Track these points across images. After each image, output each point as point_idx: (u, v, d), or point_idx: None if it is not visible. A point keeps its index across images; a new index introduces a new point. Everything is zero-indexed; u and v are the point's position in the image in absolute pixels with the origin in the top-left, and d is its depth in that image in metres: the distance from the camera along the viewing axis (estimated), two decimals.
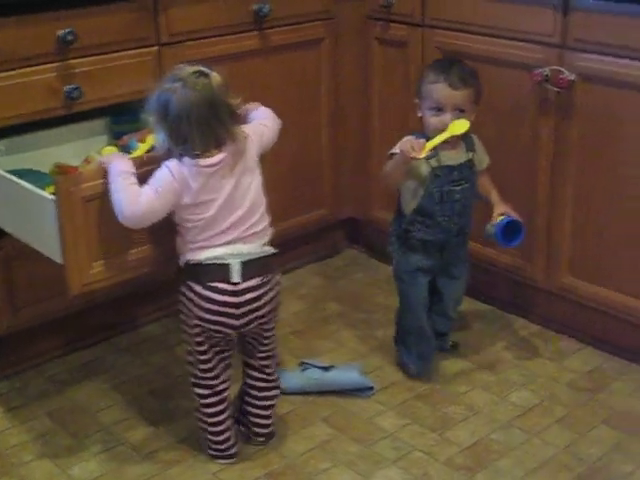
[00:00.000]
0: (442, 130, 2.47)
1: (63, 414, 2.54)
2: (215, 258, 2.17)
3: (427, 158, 2.47)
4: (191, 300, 2.20)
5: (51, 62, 2.47)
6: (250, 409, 2.38)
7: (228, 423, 2.33)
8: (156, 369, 2.74)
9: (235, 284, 2.16)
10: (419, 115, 2.57)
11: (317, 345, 2.86)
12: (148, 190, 2.11)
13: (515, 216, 2.54)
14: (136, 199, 2.09)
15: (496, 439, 2.42)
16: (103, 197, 2.12)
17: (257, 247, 2.22)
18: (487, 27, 2.80)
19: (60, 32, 2.44)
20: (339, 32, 3.14)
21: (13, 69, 2.42)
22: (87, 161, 2.51)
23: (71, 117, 2.59)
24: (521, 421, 2.49)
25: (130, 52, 2.61)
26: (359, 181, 3.34)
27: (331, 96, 3.17)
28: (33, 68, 2.45)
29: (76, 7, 2.47)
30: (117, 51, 2.59)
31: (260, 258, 2.21)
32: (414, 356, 2.69)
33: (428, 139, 2.46)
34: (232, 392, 2.37)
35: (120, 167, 2.11)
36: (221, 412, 2.31)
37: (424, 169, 2.51)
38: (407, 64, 3.06)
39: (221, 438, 2.33)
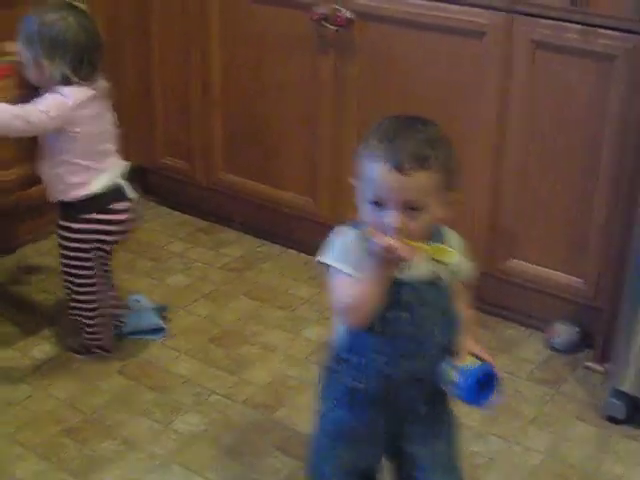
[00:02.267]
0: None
1: None
2: (107, 184, 2.35)
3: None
4: (91, 231, 2.36)
5: None
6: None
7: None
8: None
9: (130, 200, 2.41)
10: (358, 201, 1.58)
11: None
12: (38, 112, 2.21)
13: (491, 362, 1.67)
14: (26, 119, 2.20)
15: None
16: None
17: (122, 166, 2.43)
18: None
19: None
20: None
21: None
22: None
23: None
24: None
25: None
26: (143, 127, 3.27)
27: (109, 32, 3.01)
28: None
29: None
30: None
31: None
32: None
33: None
34: None
35: None
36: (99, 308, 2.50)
37: None
38: (185, 2, 3.00)
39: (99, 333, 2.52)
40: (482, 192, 2.58)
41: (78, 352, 2.54)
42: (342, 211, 2.85)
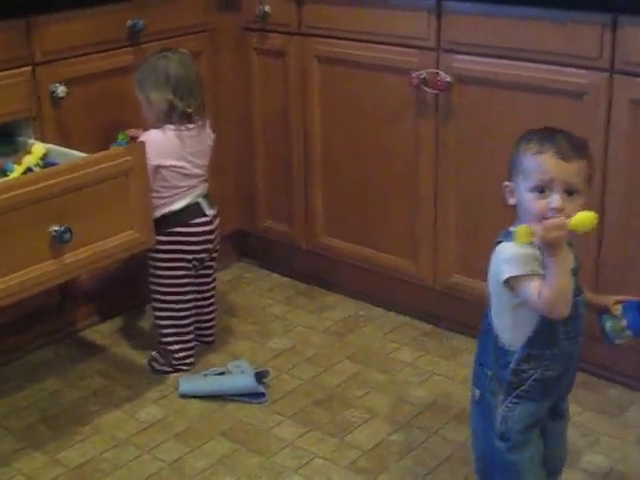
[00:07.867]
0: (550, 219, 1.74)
1: None
2: (188, 202, 2.63)
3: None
4: (173, 242, 2.62)
5: None
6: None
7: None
8: (47, 395, 2.67)
9: (207, 216, 2.66)
10: (511, 202, 1.86)
11: (211, 358, 2.84)
12: None
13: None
14: None
15: None
16: None
17: (204, 187, 2.70)
18: (363, 33, 2.83)
19: None
20: (217, 44, 3.13)
21: None
22: None
23: None
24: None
25: (2, 73, 2.54)
26: (244, 190, 3.33)
27: (212, 108, 3.14)
28: None
29: None
30: None
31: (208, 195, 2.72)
32: None
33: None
34: None
35: None
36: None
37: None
38: (286, 73, 3.07)
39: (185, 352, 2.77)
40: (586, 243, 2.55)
41: (160, 370, 2.76)
42: (442, 273, 2.86)
